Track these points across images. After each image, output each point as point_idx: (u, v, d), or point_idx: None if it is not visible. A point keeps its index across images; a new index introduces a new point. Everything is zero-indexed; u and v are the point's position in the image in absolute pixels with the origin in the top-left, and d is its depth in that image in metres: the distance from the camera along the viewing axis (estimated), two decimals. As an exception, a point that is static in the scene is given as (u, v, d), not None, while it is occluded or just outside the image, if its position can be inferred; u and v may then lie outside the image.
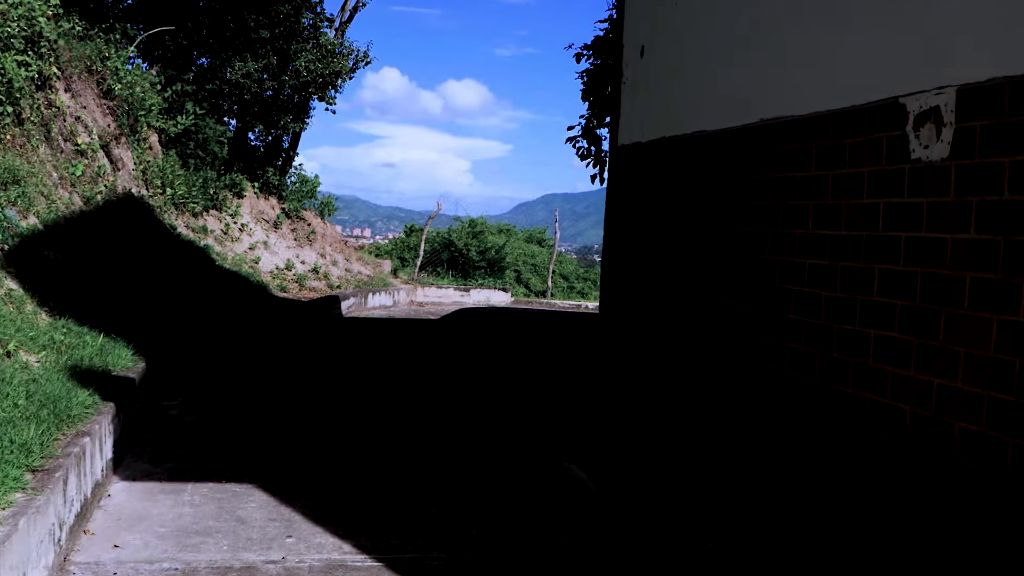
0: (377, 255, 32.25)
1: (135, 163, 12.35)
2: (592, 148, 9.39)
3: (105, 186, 10.52)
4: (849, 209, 4.35)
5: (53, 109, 9.92)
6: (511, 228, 34.74)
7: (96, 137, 10.89)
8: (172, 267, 10.90)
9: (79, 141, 10.25)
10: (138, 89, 12.47)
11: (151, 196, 12.60)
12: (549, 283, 24.20)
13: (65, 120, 10.23)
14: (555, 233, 25.64)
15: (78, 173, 9.69)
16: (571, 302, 22.49)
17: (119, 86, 12.06)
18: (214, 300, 10.90)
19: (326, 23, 17.28)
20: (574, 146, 9.40)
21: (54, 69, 10.04)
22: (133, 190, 11.81)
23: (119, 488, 5.01)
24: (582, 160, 9.39)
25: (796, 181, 4.79)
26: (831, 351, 4.43)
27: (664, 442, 5.98)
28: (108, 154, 11.28)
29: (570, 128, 9.31)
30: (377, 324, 14.22)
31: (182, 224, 13.10)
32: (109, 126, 11.71)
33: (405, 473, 5.48)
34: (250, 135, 17.31)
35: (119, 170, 11.52)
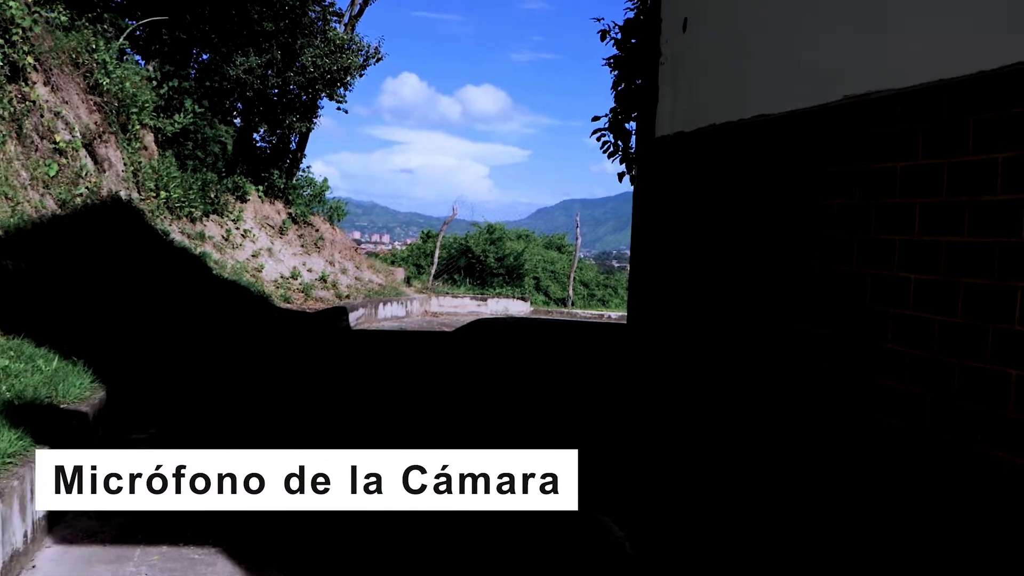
0: (392, 262, 31.35)
1: (125, 164, 11.48)
2: (620, 143, 8.35)
3: (87, 188, 9.64)
4: (975, 209, 3.32)
5: (27, 103, 9.05)
6: (530, 234, 33.69)
7: (78, 135, 10.01)
8: (160, 277, 10.00)
9: (57, 139, 9.37)
10: (128, 84, 11.60)
11: (143, 200, 11.72)
12: (570, 291, 23.15)
13: (42, 116, 9.36)
14: (576, 239, 24.52)
15: (52, 173, 8.80)
16: (593, 311, 21.46)
17: (107, 81, 11.19)
18: (206, 313, 9.99)
19: (335, 18, 16.36)
20: (599, 140, 8.39)
21: (29, 59, 9.18)
22: (121, 193, 10.92)
23: (49, 556, 4.07)
24: (609, 157, 8.38)
25: (896, 173, 3.75)
26: (950, 395, 3.39)
27: (714, 497, 4.95)
28: (92, 154, 10.41)
29: (595, 119, 8.26)
30: (387, 338, 13.27)
31: (176, 230, 12.21)
32: (96, 124, 10.85)
33: (409, 531, 4.47)
34: (255, 136, 16.42)
35: (105, 171, 10.64)
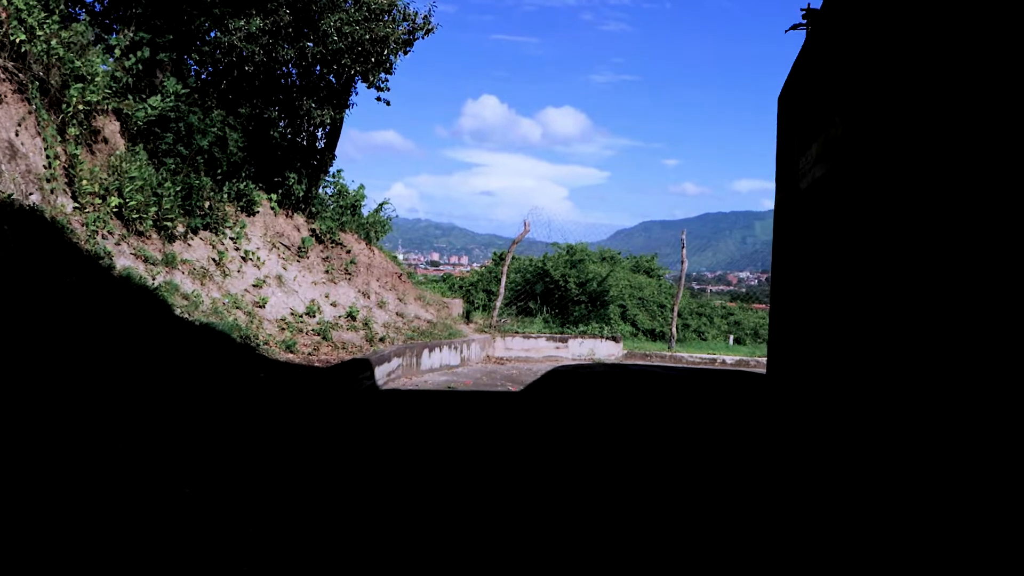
0: (459, 286, 27.56)
1: (48, 157, 8.00)
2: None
3: (-55, 187, 6.13)
4: None
5: None
6: (615, 255, 29.60)
7: (-58, 106, 6.54)
8: (59, 326, 6.40)
9: None
10: (58, 44, 8.14)
11: (79, 208, 8.22)
12: (673, 329, 18.83)
13: None
14: (682, 262, 20.19)
15: None
16: (700, 354, 17.17)
17: (23, 38, 7.76)
18: (122, 385, 6.33)
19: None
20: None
21: None
22: (32, 197, 7.44)
23: None
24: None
25: None
26: None
27: None
28: (-26, 137, 6.94)
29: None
30: (423, 406, 9.42)
31: (128, 251, 8.65)
32: (3, 96, 7.41)
33: None
34: (281, 126, 12.72)
35: (-3, 164, 7.15)
